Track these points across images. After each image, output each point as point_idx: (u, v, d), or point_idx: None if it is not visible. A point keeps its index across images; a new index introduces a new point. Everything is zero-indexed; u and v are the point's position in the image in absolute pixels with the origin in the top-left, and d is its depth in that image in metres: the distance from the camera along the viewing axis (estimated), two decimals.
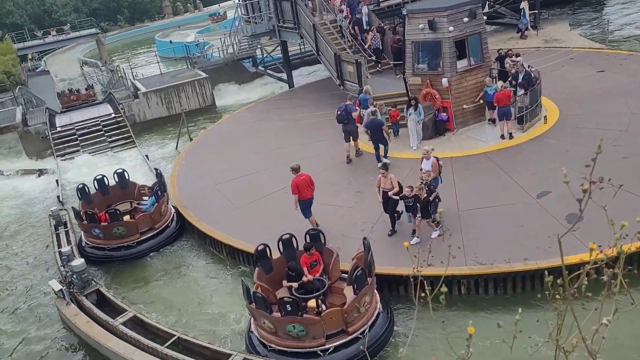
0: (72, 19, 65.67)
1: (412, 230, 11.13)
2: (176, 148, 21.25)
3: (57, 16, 67.63)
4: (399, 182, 11.37)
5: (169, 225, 14.27)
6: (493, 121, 15.98)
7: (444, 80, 15.53)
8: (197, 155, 18.54)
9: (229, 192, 15.00)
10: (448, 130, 16.08)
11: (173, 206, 15.03)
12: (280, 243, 10.18)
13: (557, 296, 1.93)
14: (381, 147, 14.76)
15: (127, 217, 14.06)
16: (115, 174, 15.32)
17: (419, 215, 10.79)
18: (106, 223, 13.55)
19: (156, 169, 16.66)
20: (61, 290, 11.25)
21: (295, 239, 10.17)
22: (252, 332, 9.53)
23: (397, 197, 10.95)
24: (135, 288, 12.52)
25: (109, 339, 10.23)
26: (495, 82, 16.28)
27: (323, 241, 10.23)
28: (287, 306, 8.57)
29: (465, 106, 15.90)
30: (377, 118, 14.64)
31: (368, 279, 8.98)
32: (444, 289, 2.03)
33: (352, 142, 15.59)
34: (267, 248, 9.99)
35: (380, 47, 19.90)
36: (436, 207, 10.85)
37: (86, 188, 14.83)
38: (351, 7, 20.43)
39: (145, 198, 14.91)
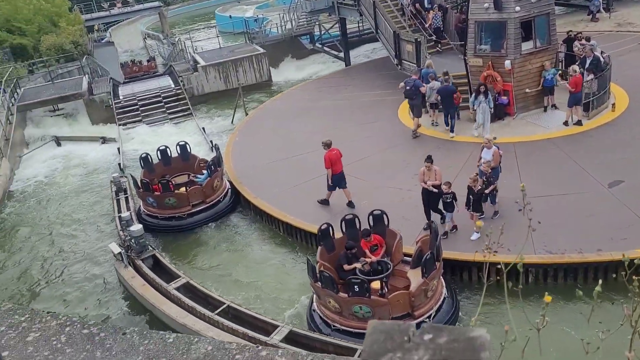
0: None
1: (452, 227, 10.73)
2: (232, 122, 21.60)
3: None
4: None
5: (221, 200, 14.42)
6: (554, 107, 15.42)
7: (507, 63, 15.01)
8: (251, 131, 18.76)
9: (284, 170, 14.98)
10: (508, 114, 15.58)
11: (228, 181, 15.23)
12: (343, 223, 10.14)
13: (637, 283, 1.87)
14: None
15: (182, 189, 14.31)
16: (177, 146, 15.63)
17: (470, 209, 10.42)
18: (159, 193, 13.95)
19: (214, 144, 16.86)
20: (120, 253, 11.78)
21: (359, 219, 10.09)
22: (314, 310, 9.56)
23: (435, 190, 10.55)
24: (189, 257, 12.93)
25: (162, 302, 10.66)
26: (561, 67, 15.63)
27: (386, 222, 10.11)
28: (355, 287, 8.50)
29: (527, 90, 15.34)
30: (450, 85, 14.78)
31: (436, 263, 8.88)
32: (519, 267, 1.99)
33: (415, 120, 15.63)
34: (331, 227, 9.96)
35: (442, 27, 19.39)
36: (494, 198, 10.55)
37: (149, 157, 15.27)
38: None
39: (203, 171, 15.24)
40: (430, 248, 9.13)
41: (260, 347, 2.46)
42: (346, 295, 8.72)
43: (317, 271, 8.93)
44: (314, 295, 9.59)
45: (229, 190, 14.88)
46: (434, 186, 10.60)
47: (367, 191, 12.81)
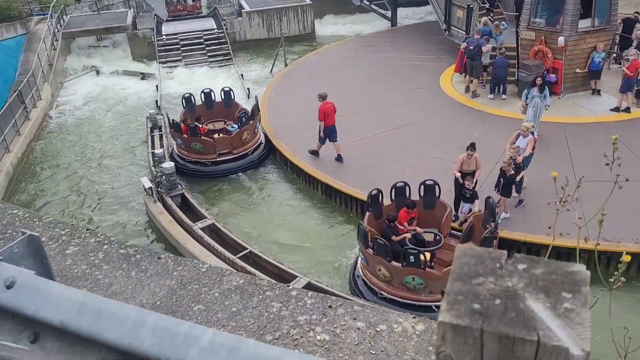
0: None
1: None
2: (271, 71, 21.46)
3: None
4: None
5: (249, 153, 14.20)
6: (598, 92, 14.90)
7: (561, 39, 14.44)
8: (289, 84, 18.50)
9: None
10: (554, 93, 15.07)
11: (264, 133, 14.99)
12: (393, 190, 9.95)
13: None
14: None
15: (216, 135, 14.23)
16: (222, 91, 15.49)
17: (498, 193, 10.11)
18: (186, 136, 13.88)
19: (255, 97, 16.49)
20: (150, 188, 12.04)
21: (409, 187, 9.87)
22: (358, 275, 9.46)
23: (461, 181, 10.04)
24: (215, 203, 13.06)
25: (187, 240, 10.93)
26: (616, 49, 14.98)
27: (438, 194, 9.90)
28: (411, 257, 8.38)
29: (578, 70, 14.79)
30: (505, 58, 14.74)
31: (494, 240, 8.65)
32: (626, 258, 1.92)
33: (472, 82, 15.66)
34: (380, 194, 9.79)
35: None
36: (521, 185, 10.30)
37: (192, 98, 15.21)
38: None
39: None
40: (484, 224, 8.89)
41: (290, 287, 2.50)
42: (399, 264, 8.58)
43: (371, 238, 8.77)
44: (360, 261, 9.48)
45: (262, 144, 14.64)
46: (469, 173, 10.14)
47: (410, 159, 12.60)
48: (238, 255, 10.22)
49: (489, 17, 17.40)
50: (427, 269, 8.48)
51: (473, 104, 15.37)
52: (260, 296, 2.42)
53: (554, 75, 14.87)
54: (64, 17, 25.63)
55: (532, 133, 10.81)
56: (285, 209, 12.52)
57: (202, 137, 13.87)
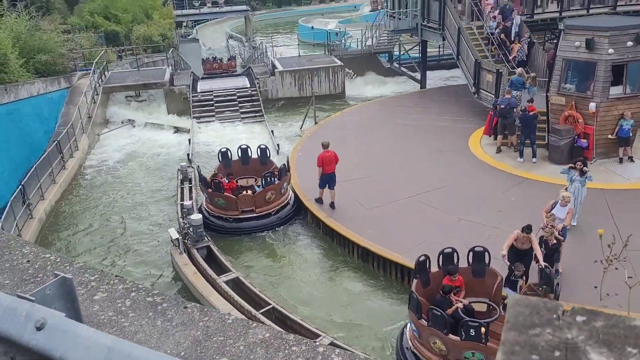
0: None
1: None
2: (300, 128, 21.87)
3: None
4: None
5: (272, 213, 13.93)
6: (630, 159, 14.70)
7: (592, 105, 14.42)
8: (319, 142, 18.41)
9: (355, 191, 14.35)
10: (585, 158, 14.90)
11: (294, 192, 14.82)
12: (441, 256, 9.48)
13: None
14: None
15: (245, 192, 14.14)
16: (258, 148, 15.62)
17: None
18: (211, 190, 13.92)
19: (284, 156, 16.12)
20: (177, 239, 12.13)
21: (457, 254, 9.41)
22: (407, 348, 8.91)
23: (507, 262, 9.34)
24: (243, 257, 12.95)
25: (210, 293, 10.85)
26: None
27: (487, 261, 9.40)
28: (471, 330, 7.83)
29: (610, 136, 14.66)
30: (531, 113, 14.87)
31: None
32: None
33: (509, 138, 16.04)
34: (428, 260, 9.29)
35: (526, 60, 18.91)
36: (559, 256, 9.74)
37: (229, 153, 15.33)
38: (504, 14, 19.58)
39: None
40: (543, 295, 8.24)
41: (317, 343, 2.43)
42: (457, 338, 8.02)
43: (426, 308, 8.30)
44: (408, 331, 9.00)
45: (289, 204, 14.34)
46: (522, 251, 9.46)
47: (450, 223, 12.26)
48: (261, 311, 10.08)
49: (525, 68, 17.68)
50: (487, 343, 7.88)
51: (505, 166, 15.24)
52: (286, 351, 2.36)
53: (585, 141, 14.76)
54: (106, 72, 26.87)
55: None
56: (315, 270, 12.17)
57: (226, 193, 13.79)
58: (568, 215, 10.12)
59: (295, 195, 14.74)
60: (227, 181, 14.18)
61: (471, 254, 9.47)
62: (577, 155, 14.75)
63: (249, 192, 14.23)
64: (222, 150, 15.48)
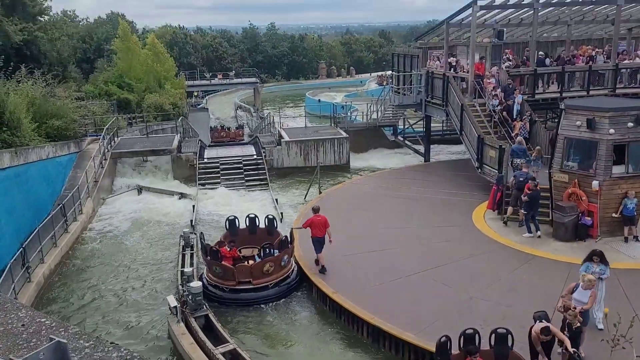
0: (237, 66, 72.69)
1: None
2: (304, 198, 21.96)
3: (226, 62, 75.22)
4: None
5: (269, 286, 13.41)
6: (636, 238, 14.57)
7: (595, 183, 14.51)
8: (322, 211, 18.52)
9: (362, 265, 13.96)
10: (590, 236, 14.84)
11: (297, 263, 14.41)
12: (462, 338, 9.06)
13: None
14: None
15: (247, 262, 13.83)
16: (266, 219, 15.46)
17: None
18: (209, 258, 13.68)
19: (289, 233, 14.77)
20: (175, 307, 11.87)
21: (479, 335, 9.01)
22: None
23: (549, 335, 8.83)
24: (243, 328, 12.54)
25: None
26: None
27: (510, 343, 8.95)
28: None
29: (614, 215, 14.62)
30: (538, 189, 15.26)
31: None
32: None
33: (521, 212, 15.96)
34: (449, 341, 8.92)
35: (528, 138, 19.25)
36: (581, 341, 9.31)
37: (236, 221, 15.24)
38: (506, 92, 20.16)
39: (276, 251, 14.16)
40: None
41: None
42: None
43: None
44: None
45: (288, 277, 13.83)
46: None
47: (462, 301, 11.87)
48: None
49: (527, 145, 18.14)
50: None
51: (510, 242, 15.03)
52: None
53: (589, 219, 14.72)
54: (116, 138, 27.44)
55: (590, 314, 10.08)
56: (320, 348, 11.55)
57: (224, 261, 13.46)
58: (590, 298, 9.68)
59: (299, 267, 14.43)
60: (228, 249, 13.96)
61: (493, 335, 8.98)
62: (582, 234, 14.73)
63: (250, 262, 13.92)
64: (230, 218, 15.40)
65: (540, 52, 23.71)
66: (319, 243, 13.77)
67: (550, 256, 14.01)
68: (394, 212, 18.12)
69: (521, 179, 15.89)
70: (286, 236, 14.23)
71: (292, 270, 14.18)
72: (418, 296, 12.30)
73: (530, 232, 15.35)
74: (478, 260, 14.03)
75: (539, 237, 15.17)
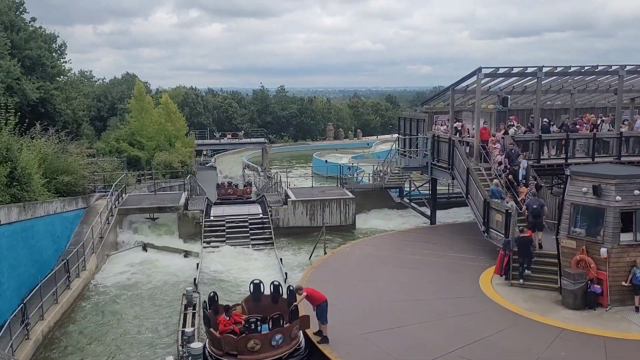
0: (246, 127, 74.13)
1: None
2: (309, 258, 21.79)
3: (236, 122, 76.75)
4: None
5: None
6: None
7: (603, 250, 14.34)
8: (327, 273, 18.10)
9: (385, 345, 12.70)
10: (600, 305, 14.51)
11: (308, 338, 13.00)
12: None
13: None
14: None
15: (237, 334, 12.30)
16: (271, 285, 14.35)
17: None
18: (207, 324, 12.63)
19: (290, 288, 13.88)
20: None
21: None
22: None
23: None
24: None
25: None
26: None
27: None
28: None
29: (624, 283, 14.36)
30: (525, 235, 16.24)
31: None
32: None
33: (537, 233, 17.00)
34: None
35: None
36: None
37: (262, 286, 14.16)
38: (510, 158, 20.33)
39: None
40: None
41: None
42: None
43: None
44: None
45: (291, 353, 12.32)
46: None
47: None
48: None
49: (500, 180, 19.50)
50: None
51: (521, 310, 14.49)
52: None
53: (598, 286, 14.45)
54: (124, 194, 27.66)
55: None
56: None
57: (221, 328, 12.27)
58: None
59: (309, 341, 13.03)
60: (226, 317, 12.67)
61: None
62: (591, 302, 14.42)
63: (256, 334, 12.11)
64: (255, 282, 14.25)
65: (545, 119, 24.10)
66: (325, 309, 12.71)
67: (579, 329, 13.28)
68: (402, 280, 17.33)
69: (534, 205, 17.04)
70: (296, 306, 12.90)
71: (299, 345, 12.71)
72: None
73: (521, 278, 16.31)
74: (505, 337, 13.03)
75: (520, 280, 16.26)
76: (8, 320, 13.08)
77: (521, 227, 16.60)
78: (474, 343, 12.73)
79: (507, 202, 18.46)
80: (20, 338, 13.53)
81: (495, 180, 19.62)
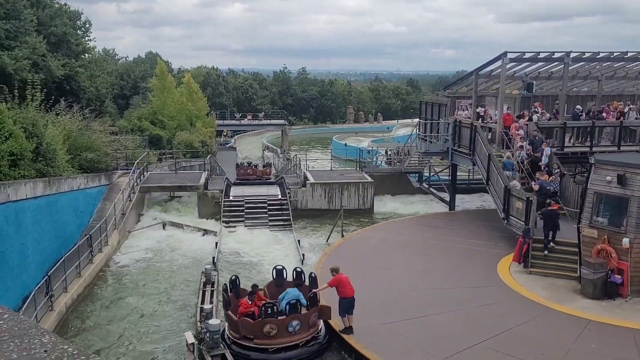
0: (266, 108, 74.13)
1: None
2: (327, 241, 21.89)
3: (256, 104, 76.80)
4: None
5: (267, 349, 11.86)
6: None
7: (625, 240, 14.14)
8: (344, 257, 18.01)
9: (410, 335, 12.47)
10: (620, 295, 14.35)
11: (328, 326, 12.84)
12: None
13: None
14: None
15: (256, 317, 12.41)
16: (294, 271, 14.31)
17: None
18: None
19: (311, 275, 13.67)
20: (192, 344, 11.79)
21: None
22: None
23: None
24: None
25: None
26: None
27: None
28: None
29: None
30: (552, 208, 16.53)
31: None
32: None
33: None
34: None
35: (557, 191, 18.98)
36: None
37: (284, 272, 14.06)
38: (533, 145, 20.05)
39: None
40: None
41: None
42: None
43: None
44: None
45: (308, 340, 12.19)
46: None
47: (488, 357, 11.24)
48: None
49: (555, 198, 18.49)
50: None
51: (540, 299, 14.43)
52: None
53: (619, 277, 14.28)
54: (145, 172, 28.01)
55: None
56: None
57: (242, 311, 12.40)
58: None
59: (330, 329, 12.80)
60: (249, 300, 12.71)
61: None
62: (611, 292, 14.27)
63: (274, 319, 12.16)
64: (278, 267, 14.18)
65: (578, 106, 23.62)
66: (350, 305, 12.33)
67: (610, 321, 13.07)
68: (421, 266, 17.25)
69: (548, 187, 17.83)
70: (315, 293, 12.76)
71: (319, 333, 12.65)
72: None
73: (546, 250, 16.43)
74: (532, 327, 12.79)
75: (544, 252, 16.37)
76: (33, 292, 13.44)
77: (548, 200, 16.87)
78: (502, 334, 12.44)
79: (514, 180, 18.83)
80: (44, 309, 13.92)
81: (507, 153, 19.88)
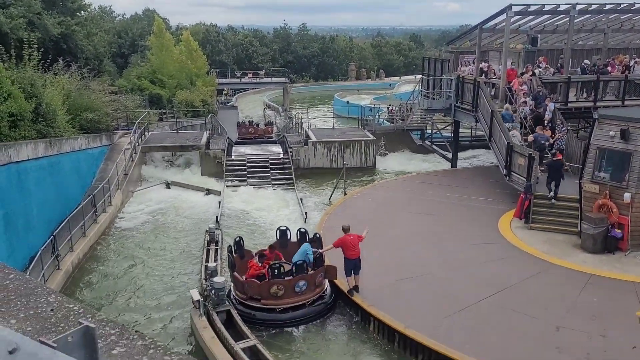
0: (267, 66, 73.12)
1: None
2: (329, 199, 22.00)
3: (256, 62, 75.69)
4: None
5: (274, 309, 12.24)
6: None
7: (626, 195, 14.18)
8: (347, 215, 18.23)
9: (415, 294, 12.65)
10: (619, 249, 14.51)
11: (333, 285, 13.15)
12: None
13: None
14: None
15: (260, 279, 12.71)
16: (298, 232, 14.42)
17: None
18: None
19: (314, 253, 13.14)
20: (198, 301, 12.04)
21: None
22: None
23: None
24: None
25: (225, 359, 10.61)
26: None
27: None
28: None
29: None
30: (557, 158, 16.74)
31: None
32: None
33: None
34: None
35: (564, 148, 18.88)
36: None
37: (288, 232, 14.33)
38: (537, 100, 19.83)
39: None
40: None
41: None
42: None
43: None
44: None
45: (314, 300, 12.55)
46: None
47: (551, 334, 10.84)
48: None
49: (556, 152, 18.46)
50: None
51: (540, 254, 14.58)
52: None
53: (619, 231, 14.40)
54: (146, 132, 27.92)
55: None
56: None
57: (251, 272, 12.69)
58: None
59: (335, 288, 13.12)
60: (258, 262, 12.98)
61: None
62: (611, 246, 14.42)
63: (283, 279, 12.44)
64: (282, 228, 14.38)
65: (586, 61, 23.23)
66: (354, 265, 12.47)
67: (613, 275, 13.24)
68: (423, 224, 17.34)
69: (542, 141, 17.72)
70: (321, 254, 12.98)
71: (324, 292, 12.95)
72: (501, 329, 11.05)
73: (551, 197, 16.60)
74: (535, 283, 13.00)
75: (551, 200, 16.51)
76: (39, 252, 13.63)
77: (553, 151, 17.25)
78: (506, 290, 12.62)
79: (513, 130, 18.92)
80: (51, 269, 14.16)
81: (506, 105, 19.97)
